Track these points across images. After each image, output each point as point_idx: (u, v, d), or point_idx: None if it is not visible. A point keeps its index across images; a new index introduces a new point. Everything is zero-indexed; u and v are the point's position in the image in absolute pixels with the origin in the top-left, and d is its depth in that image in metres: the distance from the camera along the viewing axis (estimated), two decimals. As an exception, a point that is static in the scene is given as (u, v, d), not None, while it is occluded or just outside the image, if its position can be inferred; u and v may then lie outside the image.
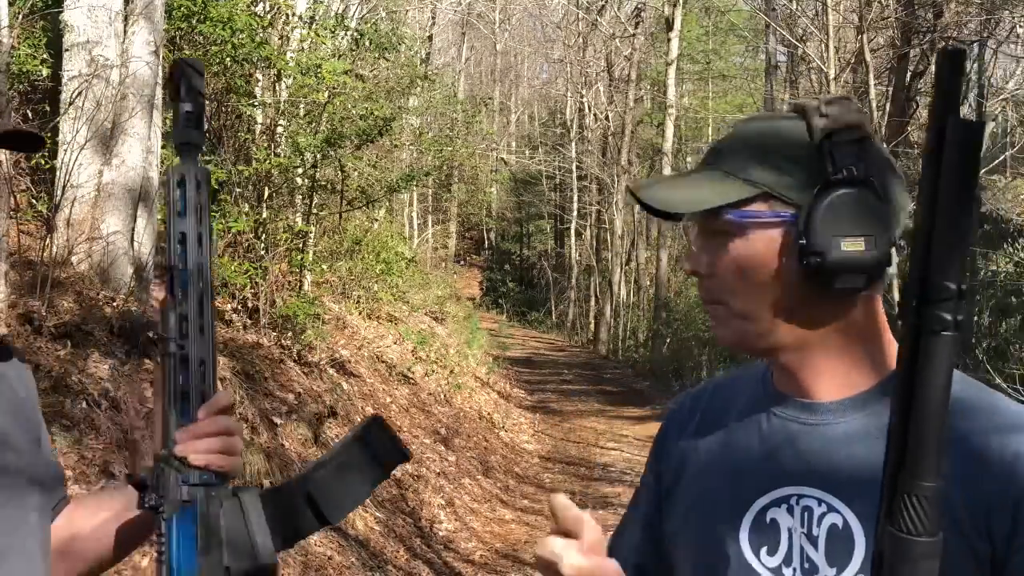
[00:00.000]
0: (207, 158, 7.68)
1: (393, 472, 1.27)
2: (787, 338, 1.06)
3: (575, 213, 28.96)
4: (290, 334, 7.64)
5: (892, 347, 1.09)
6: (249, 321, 7.46)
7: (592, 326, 25.63)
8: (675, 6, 19.18)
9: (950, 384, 0.68)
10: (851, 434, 1.05)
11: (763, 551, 1.06)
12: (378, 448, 1.24)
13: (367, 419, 1.26)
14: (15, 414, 1.23)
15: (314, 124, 8.89)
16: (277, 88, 8.79)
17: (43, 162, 5.40)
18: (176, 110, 1.15)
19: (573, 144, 29.18)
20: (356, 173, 10.69)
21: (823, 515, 1.03)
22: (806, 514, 1.04)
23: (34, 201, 5.61)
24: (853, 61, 12.78)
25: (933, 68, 0.69)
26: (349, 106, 9.73)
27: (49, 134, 5.15)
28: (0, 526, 1.15)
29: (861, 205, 1.00)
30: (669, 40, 19.59)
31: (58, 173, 5.27)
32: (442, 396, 10.84)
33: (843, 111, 1.02)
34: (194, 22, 6.96)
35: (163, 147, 6.01)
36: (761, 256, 1.04)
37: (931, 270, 0.66)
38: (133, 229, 5.58)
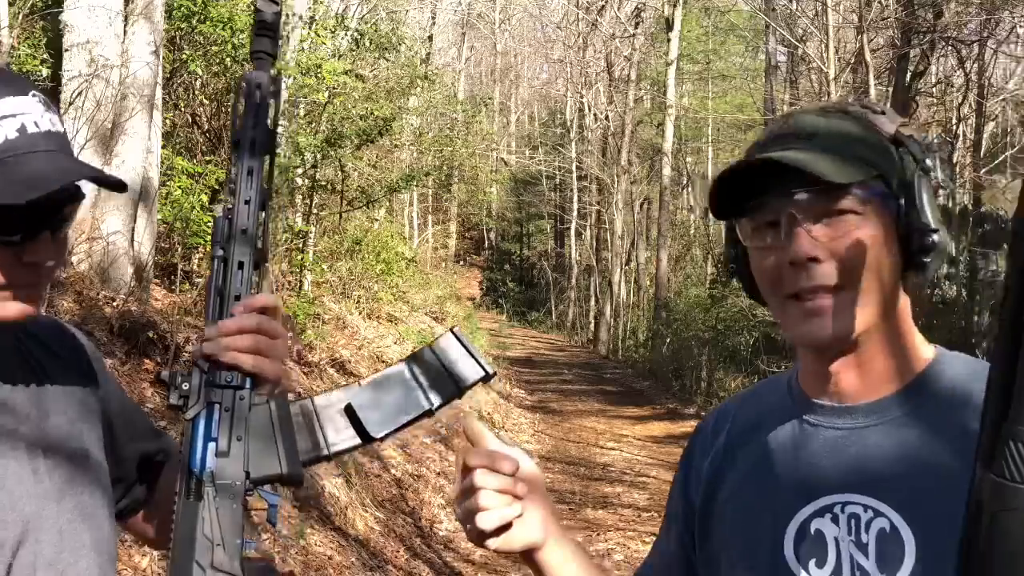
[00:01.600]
0: (206, 158, 7.69)
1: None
2: (872, 328, 1.04)
3: (575, 213, 28.97)
4: (290, 334, 7.64)
5: (917, 342, 1.08)
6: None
7: (592, 326, 25.64)
8: (675, 6, 19.19)
9: None
10: (889, 436, 1.03)
11: (811, 564, 1.04)
12: (451, 363, 1.15)
13: (444, 332, 1.18)
14: (81, 412, 1.22)
15: (314, 124, 8.91)
16: (277, 88, 8.80)
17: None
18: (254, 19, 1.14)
19: (573, 144, 29.19)
20: (356, 173, 10.70)
21: (871, 520, 1.01)
22: (853, 521, 1.02)
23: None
24: (853, 61, 12.79)
25: None
26: (349, 106, 9.74)
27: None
28: (72, 527, 1.14)
29: (935, 195, 1.04)
30: (669, 40, 19.61)
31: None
32: (442, 396, 10.83)
33: (891, 111, 1.06)
34: (194, 22, 6.96)
35: (163, 147, 6.02)
36: (882, 237, 1.02)
37: None
38: (133, 229, 5.58)
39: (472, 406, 11.60)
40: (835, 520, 1.03)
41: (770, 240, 1.04)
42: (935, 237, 1.01)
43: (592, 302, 26.24)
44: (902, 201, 1.02)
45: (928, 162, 1.03)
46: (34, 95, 1.10)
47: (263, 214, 1.13)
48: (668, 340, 17.98)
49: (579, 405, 14.41)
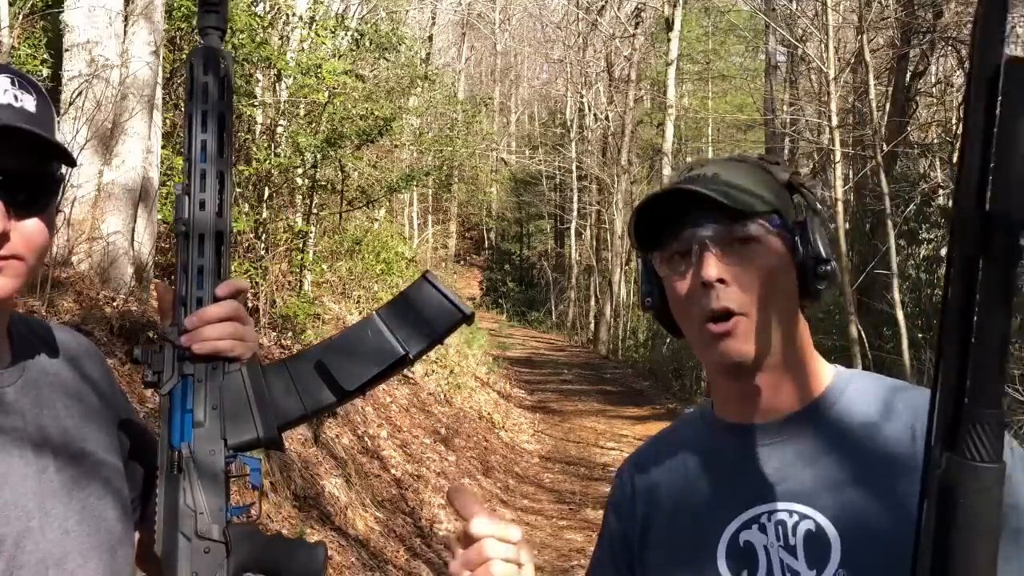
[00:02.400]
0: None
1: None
2: (777, 350, 1.13)
3: (575, 213, 28.95)
4: (290, 334, 7.64)
5: (818, 362, 1.18)
6: (249, 321, 7.46)
7: (592, 326, 25.62)
8: (675, 6, 19.17)
9: (1013, 313, 0.70)
10: (803, 447, 1.13)
11: (744, 574, 1.11)
12: (426, 309, 1.14)
13: (417, 278, 1.16)
14: (86, 413, 1.22)
15: (314, 124, 8.90)
16: (277, 88, 8.80)
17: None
18: None
19: (573, 144, 29.16)
20: (356, 173, 10.69)
21: (797, 524, 1.09)
22: (780, 527, 1.10)
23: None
24: (853, 61, 12.77)
25: (977, 7, 0.69)
26: (349, 106, 9.74)
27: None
28: (80, 528, 1.14)
29: (827, 236, 1.16)
30: (669, 40, 19.58)
31: (58, 173, 5.27)
32: (442, 396, 10.84)
33: (784, 163, 1.21)
34: (194, 22, 6.96)
35: (163, 147, 6.01)
36: (782, 264, 1.13)
37: (996, 205, 0.66)
38: (133, 229, 5.58)
39: (473, 406, 11.60)
40: (763, 529, 1.10)
41: (683, 268, 1.13)
42: (827, 267, 1.13)
43: (592, 302, 26.22)
44: (797, 237, 1.13)
45: (818, 204, 1.17)
46: (6, 75, 1.08)
47: (223, 187, 1.14)
48: (668, 340, 17.96)
49: (579, 405, 14.40)
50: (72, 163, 1.12)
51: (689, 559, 1.15)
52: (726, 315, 1.10)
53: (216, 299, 1.13)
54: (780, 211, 1.13)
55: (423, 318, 1.14)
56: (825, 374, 1.18)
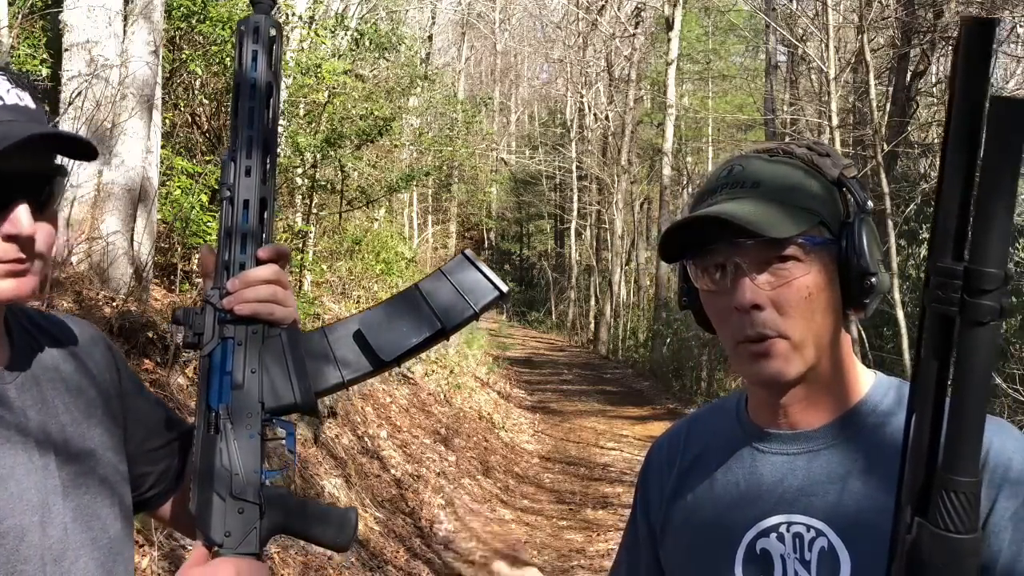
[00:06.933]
0: (206, 158, 7.69)
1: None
2: (818, 365, 1.09)
3: (575, 213, 28.95)
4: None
5: (857, 372, 1.14)
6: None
7: (592, 326, 25.62)
8: (675, 6, 19.16)
9: (992, 374, 0.67)
10: (831, 461, 1.11)
11: None
12: (463, 284, 1.16)
13: (456, 255, 1.19)
14: (88, 410, 1.21)
15: (314, 124, 8.90)
16: (277, 88, 8.78)
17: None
18: None
19: (573, 144, 29.17)
20: (356, 173, 10.69)
21: (813, 540, 1.08)
22: (797, 540, 1.09)
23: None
24: (853, 61, 12.77)
25: (958, 42, 0.61)
26: (349, 106, 9.74)
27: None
28: (75, 525, 1.14)
29: (875, 234, 1.09)
30: (669, 40, 19.58)
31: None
32: (442, 396, 10.84)
33: (835, 154, 1.11)
34: (194, 22, 6.95)
35: (163, 147, 6.00)
36: (824, 281, 1.07)
37: (977, 260, 0.61)
38: (133, 229, 5.57)
39: (473, 406, 11.60)
40: (781, 539, 1.10)
41: (717, 284, 1.09)
42: (873, 280, 1.06)
43: (592, 302, 26.22)
44: (844, 244, 1.07)
45: (869, 204, 1.08)
46: (1, 73, 1.09)
47: (268, 155, 1.15)
48: (668, 340, 17.97)
49: (579, 405, 14.40)
50: (93, 155, 1.12)
51: (707, 558, 1.15)
52: (763, 338, 1.07)
53: (259, 262, 1.15)
54: (825, 220, 1.07)
55: (461, 293, 1.16)
56: (863, 382, 1.14)
